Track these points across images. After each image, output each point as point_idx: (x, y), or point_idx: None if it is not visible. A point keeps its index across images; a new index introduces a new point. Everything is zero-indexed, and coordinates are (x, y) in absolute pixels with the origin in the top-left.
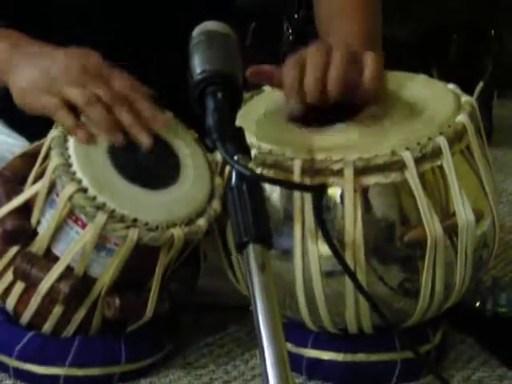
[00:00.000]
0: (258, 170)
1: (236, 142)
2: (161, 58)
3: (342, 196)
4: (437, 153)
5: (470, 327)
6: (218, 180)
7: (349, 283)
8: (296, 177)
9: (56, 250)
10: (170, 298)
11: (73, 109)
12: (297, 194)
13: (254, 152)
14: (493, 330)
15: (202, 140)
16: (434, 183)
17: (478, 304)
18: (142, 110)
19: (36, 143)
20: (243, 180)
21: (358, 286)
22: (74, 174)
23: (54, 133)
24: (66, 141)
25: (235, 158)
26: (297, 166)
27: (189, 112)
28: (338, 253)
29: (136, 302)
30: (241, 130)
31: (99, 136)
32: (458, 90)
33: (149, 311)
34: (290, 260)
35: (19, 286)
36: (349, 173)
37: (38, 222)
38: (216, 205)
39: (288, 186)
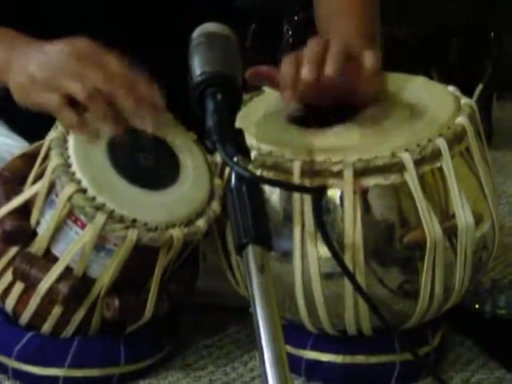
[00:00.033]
0: (258, 172)
1: (236, 143)
2: (160, 58)
3: (341, 197)
4: (436, 154)
5: (469, 329)
6: (217, 181)
7: (348, 285)
8: (296, 178)
9: (55, 251)
10: (169, 298)
11: (73, 102)
12: (296, 196)
13: (253, 153)
14: (492, 332)
15: (202, 141)
16: (433, 185)
17: (477, 306)
18: (142, 92)
19: (35, 144)
20: (243, 181)
21: (358, 288)
22: (74, 174)
23: (53, 133)
24: (65, 141)
25: (235, 159)
26: (296, 167)
27: (188, 113)
28: (337, 255)
29: (135, 303)
30: (240, 132)
31: (99, 136)
32: (458, 92)
33: (148, 312)
34: (290, 262)
35: (18, 287)
36: (348, 174)
37: (38, 223)
38: (215, 206)
39: (287, 187)
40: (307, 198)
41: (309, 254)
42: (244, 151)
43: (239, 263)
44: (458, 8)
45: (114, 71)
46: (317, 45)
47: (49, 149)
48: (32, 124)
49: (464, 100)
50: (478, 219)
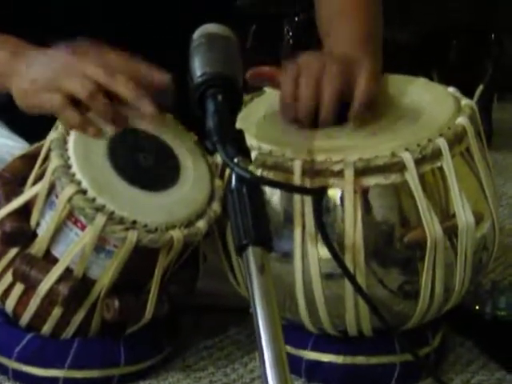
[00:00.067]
0: (259, 171)
1: (236, 144)
2: (161, 59)
3: (341, 198)
4: (437, 154)
5: (469, 330)
6: (217, 182)
7: (348, 286)
8: (296, 177)
9: (55, 252)
10: (169, 300)
11: (76, 103)
12: (297, 197)
13: (254, 153)
14: (492, 333)
15: (202, 142)
16: (433, 185)
17: (477, 307)
18: (143, 75)
19: (36, 145)
20: (243, 182)
21: (358, 289)
22: (74, 175)
23: (53, 134)
24: (65, 142)
25: (235, 160)
26: (297, 166)
27: (189, 114)
28: (337, 256)
29: (135, 304)
30: (241, 133)
31: (101, 136)
32: (458, 94)
33: (148, 313)
34: (290, 262)
35: (18, 288)
36: (349, 174)
37: (38, 224)
38: (216, 206)
39: (288, 188)
40: (308, 199)
41: (309, 255)
42: (244, 152)
43: (240, 264)
44: (461, 6)
45: (114, 64)
46: (313, 71)
47: (49, 150)
48: (32, 125)
49: (464, 101)
50: (479, 219)
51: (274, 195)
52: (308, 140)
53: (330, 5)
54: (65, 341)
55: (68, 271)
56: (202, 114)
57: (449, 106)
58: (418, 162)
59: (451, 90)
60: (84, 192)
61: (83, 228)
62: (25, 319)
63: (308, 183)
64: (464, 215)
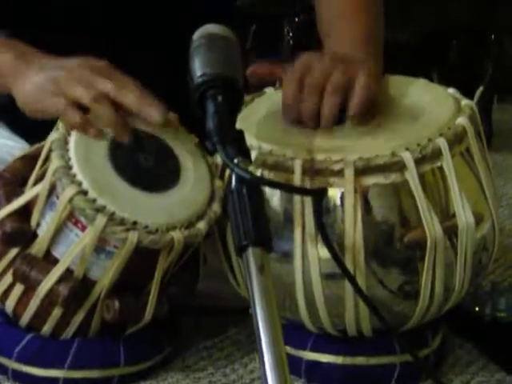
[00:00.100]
0: (259, 171)
1: (236, 145)
2: (161, 59)
3: (342, 198)
4: (437, 154)
5: (469, 332)
6: (218, 182)
7: (348, 286)
8: (297, 177)
9: (56, 253)
10: (169, 301)
11: (79, 106)
12: (297, 197)
13: (254, 153)
14: (491, 334)
15: (203, 143)
16: (433, 184)
17: (476, 309)
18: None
19: (36, 145)
20: (243, 183)
21: (358, 290)
22: (75, 176)
23: (54, 135)
24: (66, 143)
25: (235, 161)
26: (297, 166)
27: (189, 115)
28: (337, 257)
29: (135, 305)
30: (241, 133)
31: (102, 137)
32: (458, 94)
33: (148, 314)
34: (290, 262)
35: (18, 288)
36: (349, 173)
37: (38, 224)
38: (216, 207)
39: (288, 189)
40: (308, 200)
41: (309, 255)
42: (244, 153)
43: (240, 264)
44: (461, 6)
45: (126, 85)
46: (318, 75)
47: (50, 150)
48: (33, 126)
49: (464, 101)
50: (479, 219)
51: (274, 195)
52: (308, 139)
53: (331, 6)
54: (65, 341)
55: (68, 272)
56: (202, 115)
57: (449, 106)
58: (418, 162)
59: (451, 90)
60: (85, 193)
61: (84, 229)
62: (25, 319)
63: (308, 183)
64: (464, 215)
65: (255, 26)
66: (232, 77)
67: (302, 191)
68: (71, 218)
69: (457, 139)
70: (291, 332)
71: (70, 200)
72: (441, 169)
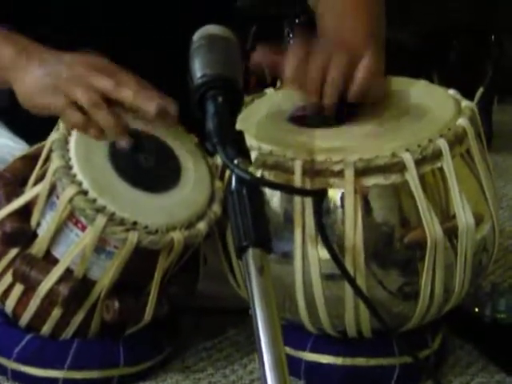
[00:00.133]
0: (259, 172)
1: (236, 145)
2: (161, 59)
3: (342, 198)
4: (437, 155)
5: (469, 333)
6: (218, 183)
7: (348, 287)
8: (297, 177)
9: (56, 253)
10: (169, 301)
11: (80, 108)
12: (297, 198)
13: (254, 153)
14: (491, 335)
15: (203, 144)
16: (434, 185)
17: (476, 310)
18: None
19: (37, 145)
20: (243, 184)
21: (358, 291)
22: (75, 176)
23: (54, 135)
24: (66, 143)
25: (235, 161)
26: (298, 166)
27: (189, 116)
28: (337, 258)
29: (135, 306)
30: (241, 134)
31: (103, 137)
32: (459, 96)
33: (147, 315)
34: (290, 263)
35: (18, 288)
36: (349, 174)
37: (38, 224)
38: (216, 208)
39: (288, 190)
40: (308, 201)
41: (309, 256)
42: (244, 153)
43: (240, 265)
44: (461, 6)
45: (126, 82)
46: (320, 55)
47: (50, 151)
48: (33, 126)
49: (465, 102)
50: (479, 221)
51: (274, 196)
52: (308, 140)
53: (332, 6)
54: (64, 341)
55: (68, 272)
56: (202, 116)
57: (449, 107)
58: (419, 163)
59: (452, 92)
60: (85, 193)
61: (84, 229)
62: (24, 319)
63: (308, 183)
64: (464, 216)
65: (255, 27)
66: (232, 78)
67: (302, 192)
68: (71, 218)
69: (457, 140)
70: (291, 333)
71: (70, 200)
72: (441, 170)
